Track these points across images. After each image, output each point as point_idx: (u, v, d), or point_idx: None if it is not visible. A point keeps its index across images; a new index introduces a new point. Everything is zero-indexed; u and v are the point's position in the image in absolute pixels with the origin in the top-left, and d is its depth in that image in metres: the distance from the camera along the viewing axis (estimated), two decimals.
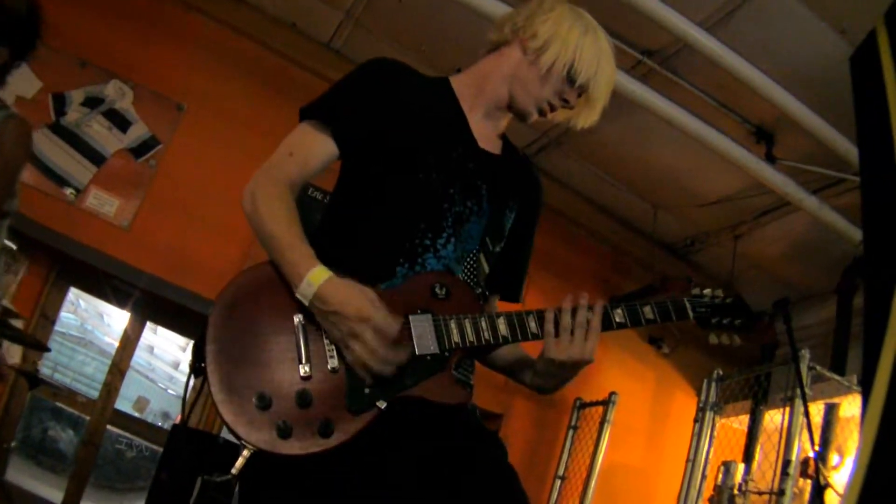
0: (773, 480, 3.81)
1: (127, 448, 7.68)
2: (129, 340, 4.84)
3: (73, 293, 5.52)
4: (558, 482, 5.09)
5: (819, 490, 3.72)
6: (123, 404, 8.41)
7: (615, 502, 5.15)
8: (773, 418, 4.30)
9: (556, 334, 1.45)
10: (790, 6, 3.45)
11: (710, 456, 4.36)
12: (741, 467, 4.28)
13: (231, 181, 4.27)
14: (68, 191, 4.17)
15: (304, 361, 1.35)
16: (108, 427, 4.77)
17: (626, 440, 5.30)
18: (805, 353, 3.84)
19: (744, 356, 5.23)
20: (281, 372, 1.33)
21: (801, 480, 3.89)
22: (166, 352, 10.99)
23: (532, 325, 1.47)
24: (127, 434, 7.38)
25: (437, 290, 1.46)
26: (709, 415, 4.41)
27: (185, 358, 10.61)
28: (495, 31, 1.74)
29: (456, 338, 1.42)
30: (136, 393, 10.49)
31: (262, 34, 4.75)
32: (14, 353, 3.73)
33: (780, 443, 3.84)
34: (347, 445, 1.31)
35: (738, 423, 5.05)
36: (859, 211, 2.70)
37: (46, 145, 4.13)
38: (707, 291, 1.56)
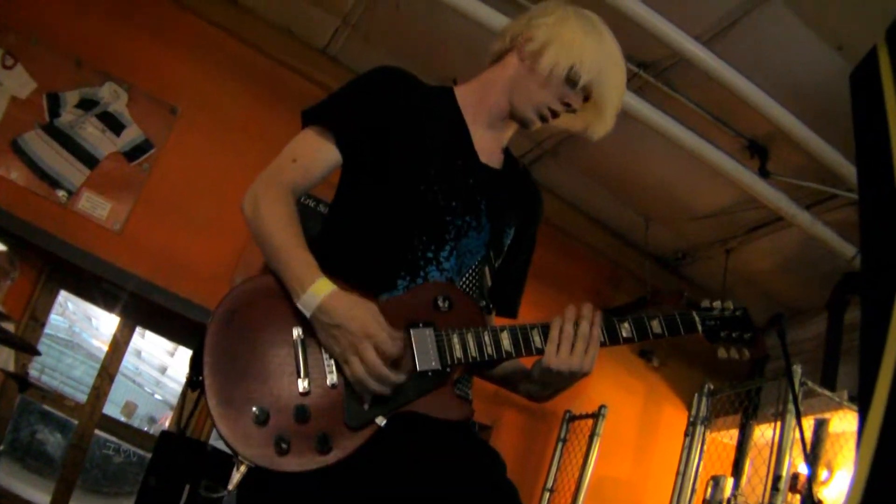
0: (762, 495, 3.81)
1: (115, 453, 7.64)
2: (119, 345, 4.80)
3: (63, 295, 5.47)
4: (547, 494, 5.07)
5: None
6: (111, 408, 8.35)
7: None
8: (764, 433, 4.30)
9: (559, 344, 1.42)
10: (788, 22, 3.45)
11: (700, 470, 4.36)
12: (730, 482, 4.28)
13: (224, 186, 4.29)
14: (61, 193, 4.13)
15: (302, 376, 1.33)
16: (96, 432, 4.73)
17: (615, 453, 5.29)
18: (797, 369, 3.85)
19: (731, 370, 5.24)
20: (279, 386, 1.31)
21: (790, 495, 3.89)
22: (154, 356, 10.93)
23: (536, 339, 1.44)
24: (114, 439, 7.33)
25: (440, 302, 1.44)
26: (699, 429, 4.41)
27: (173, 363, 10.56)
28: (497, 40, 1.71)
29: (458, 353, 1.40)
30: (123, 397, 10.42)
31: (258, 38, 4.73)
32: (8, 358, 3.68)
33: (770, 458, 3.84)
34: (346, 462, 1.29)
35: (728, 437, 5.06)
36: (852, 227, 2.71)
37: (39, 146, 4.09)
38: (716, 304, 1.53)
